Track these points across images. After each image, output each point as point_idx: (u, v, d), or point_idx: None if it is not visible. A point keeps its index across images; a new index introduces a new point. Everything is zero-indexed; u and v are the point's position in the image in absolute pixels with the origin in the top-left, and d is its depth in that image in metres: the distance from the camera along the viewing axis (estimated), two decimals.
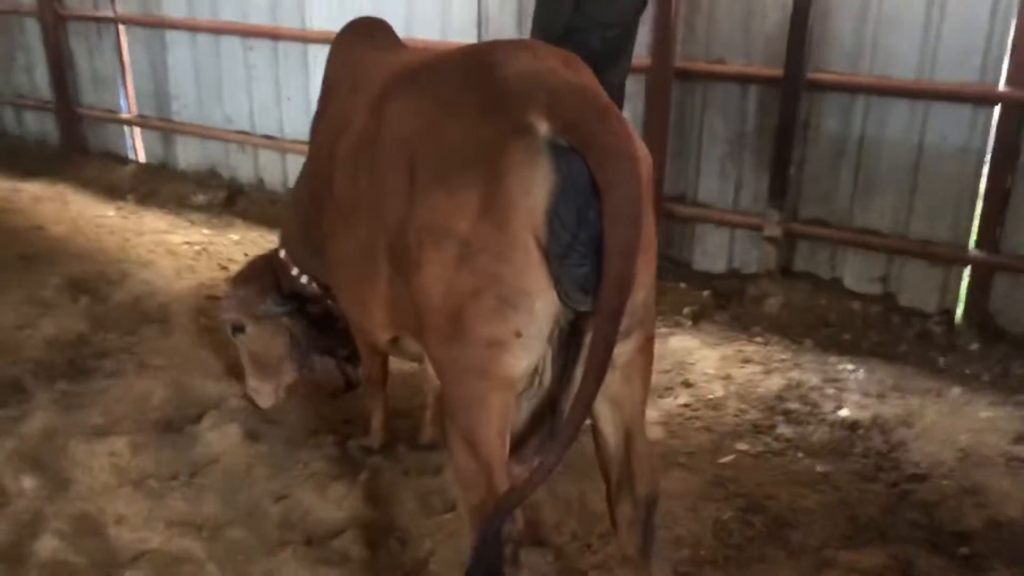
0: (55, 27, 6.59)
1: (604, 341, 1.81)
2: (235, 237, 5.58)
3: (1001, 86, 3.78)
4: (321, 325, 3.26)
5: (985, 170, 3.91)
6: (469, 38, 4.77)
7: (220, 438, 3.31)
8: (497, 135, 1.78)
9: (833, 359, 3.97)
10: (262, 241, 5.45)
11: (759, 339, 4.16)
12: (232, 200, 6.17)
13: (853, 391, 3.72)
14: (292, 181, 5.86)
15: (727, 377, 3.86)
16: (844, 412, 3.56)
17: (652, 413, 3.58)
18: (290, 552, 2.74)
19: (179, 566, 2.69)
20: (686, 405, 3.67)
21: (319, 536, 2.86)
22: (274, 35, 5.62)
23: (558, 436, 1.96)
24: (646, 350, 2.08)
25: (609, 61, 3.50)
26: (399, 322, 2.20)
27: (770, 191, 4.27)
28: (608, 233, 1.74)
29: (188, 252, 5.33)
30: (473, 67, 1.98)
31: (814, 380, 3.80)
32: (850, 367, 3.89)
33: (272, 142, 5.92)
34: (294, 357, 3.30)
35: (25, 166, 6.81)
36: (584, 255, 1.77)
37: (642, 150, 1.90)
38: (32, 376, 3.75)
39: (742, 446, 3.37)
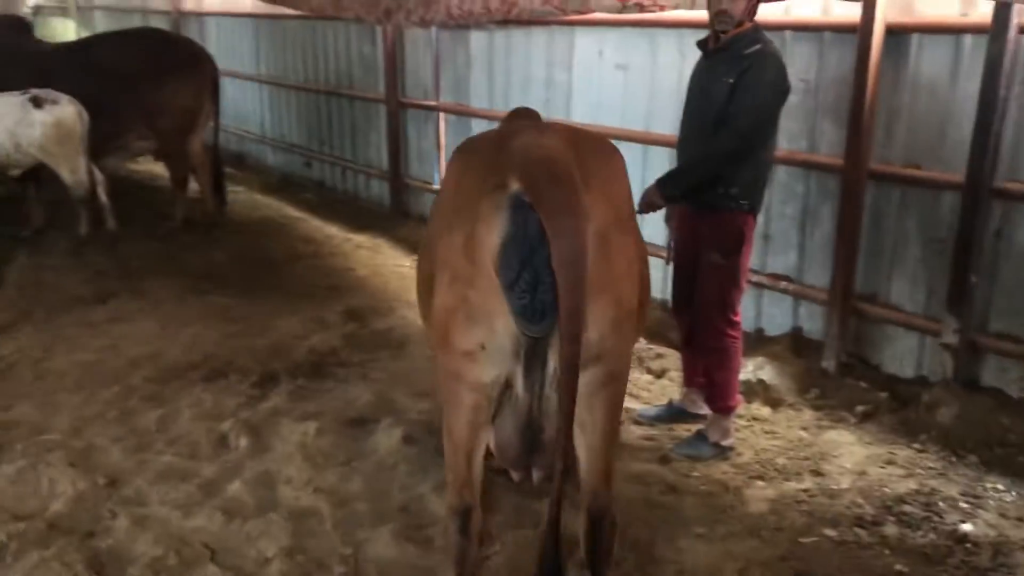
0: (396, 113, 8.12)
1: (566, 362, 2.27)
2: None
3: None
4: None
5: None
6: None
7: (385, 438, 4.09)
8: (483, 190, 2.35)
9: (989, 478, 3.78)
10: None
11: (917, 446, 4.05)
12: None
13: (990, 510, 3.54)
14: None
15: (861, 473, 3.86)
16: (967, 527, 3.42)
17: (766, 492, 3.74)
18: (389, 528, 3.40)
19: (308, 518, 3.48)
20: (804, 490, 3.75)
21: (422, 523, 3.48)
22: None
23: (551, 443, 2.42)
24: (609, 388, 2.46)
25: None
26: None
27: (949, 298, 4.17)
28: (556, 273, 2.22)
29: None
30: (495, 141, 2.56)
31: (952, 491, 3.67)
32: (1000, 487, 3.69)
33: None
34: None
35: (361, 222, 8.36)
36: (524, 290, 2.25)
37: (594, 212, 2.32)
38: (286, 372, 4.85)
39: (830, 532, 3.41)
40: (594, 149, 2.58)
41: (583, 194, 2.29)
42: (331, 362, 5.04)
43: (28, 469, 3.78)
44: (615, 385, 2.49)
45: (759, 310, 5.22)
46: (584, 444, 2.50)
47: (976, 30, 4.03)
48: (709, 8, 3.89)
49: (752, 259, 5.14)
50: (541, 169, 2.30)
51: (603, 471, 2.52)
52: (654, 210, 3.96)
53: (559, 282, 2.20)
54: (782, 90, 3.80)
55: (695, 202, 3.93)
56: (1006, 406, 4.14)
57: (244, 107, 10.97)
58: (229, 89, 11.23)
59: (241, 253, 7.20)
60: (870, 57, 4.28)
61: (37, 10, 17.94)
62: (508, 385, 2.45)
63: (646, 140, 5.69)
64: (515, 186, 2.29)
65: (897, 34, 4.30)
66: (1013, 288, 4.10)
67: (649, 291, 3.37)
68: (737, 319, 4.02)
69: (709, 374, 4.14)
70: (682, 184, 3.86)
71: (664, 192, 3.90)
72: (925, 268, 4.41)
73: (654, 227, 4.84)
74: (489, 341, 2.35)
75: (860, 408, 4.38)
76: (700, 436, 4.14)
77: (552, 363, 2.38)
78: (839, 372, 4.65)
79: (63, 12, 16.71)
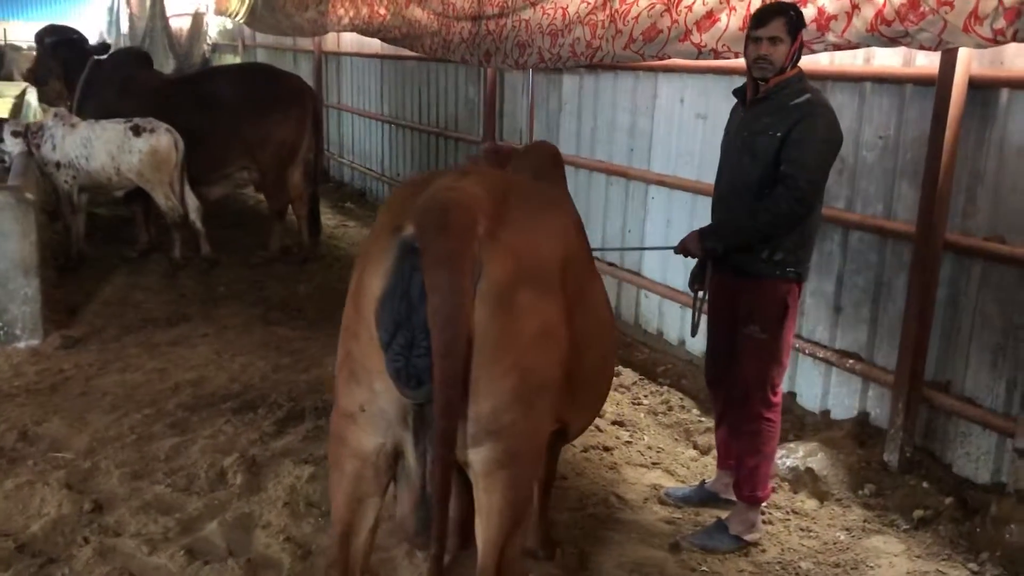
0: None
1: (437, 435, 2.02)
2: None
3: None
4: None
5: None
6: None
7: None
8: (380, 232, 2.15)
9: None
10: None
11: (974, 566, 3.46)
12: None
13: None
14: (625, 308, 6.36)
15: None
16: None
17: None
18: None
19: (265, 570, 3.32)
20: None
21: None
22: (626, 175, 6.21)
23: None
24: (510, 466, 2.16)
25: None
26: None
27: None
28: (431, 333, 1.98)
29: None
30: (419, 183, 2.35)
31: None
32: None
33: (611, 269, 6.45)
34: None
35: None
36: (399, 351, 2.01)
37: (492, 267, 2.05)
38: (313, 410, 4.76)
39: None
40: (526, 201, 2.32)
41: (479, 248, 2.04)
42: None
43: (26, 486, 3.83)
44: (516, 467, 2.20)
45: (826, 388, 4.69)
46: (479, 531, 2.22)
47: None
48: (746, 54, 3.56)
49: (823, 332, 4.67)
50: (433, 216, 2.08)
51: (495, 565, 2.21)
52: (689, 255, 3.66)
53: (433, 344, 1.96)
54: (837, 144, 3.44)
55: (733, 268, 3.56)
56: None
57: (368, 144, 11.24)
58: (358, 127, 11.59)
59: (325, 285, 7.27)
60: (948, 113, 3.77)
61: (215, 47, 19.38)
62: (399, 455, 2.21)
63: None
64: (409, 230, 2.08)
65: (983, 88, 3.77)
66: None
67: (610, 363, 3.05)
68: (776, 400, 3.59)
69: (739, 458, 3.71)
70: (728, 240, 3.51)
71: (705, 244, 3.55)
72: (1007, 359, 3.80)
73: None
74: (369, 403, 2.13)
75: (917, 513, 3.80)
76: (720, 526, 3.71)
77: None
78: (901, 468, 4.07)
79: (233, 50, 17.92)
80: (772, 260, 3.46)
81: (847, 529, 3.76)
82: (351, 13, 10.34)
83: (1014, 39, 3.23)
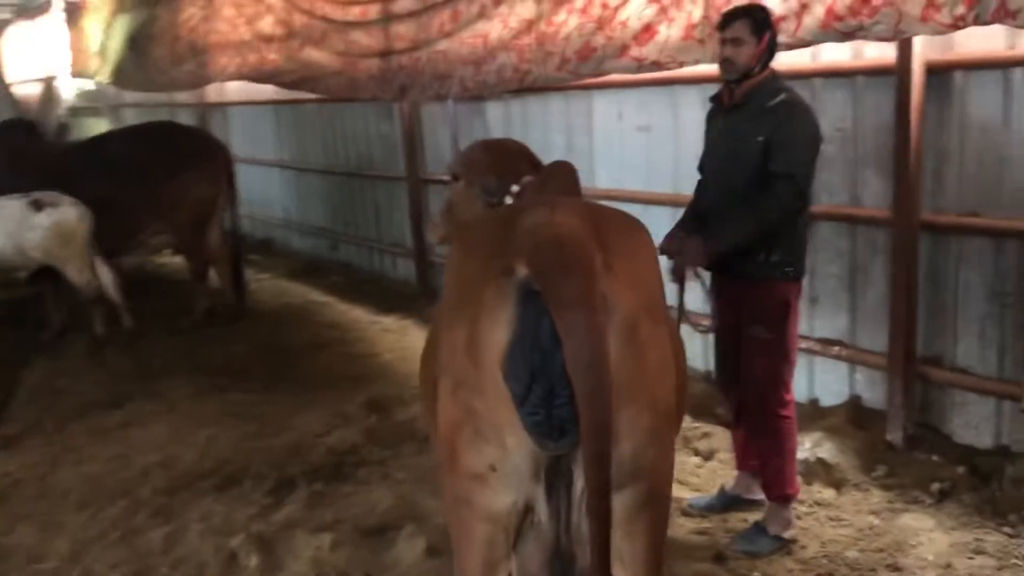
0: (418, 189, 7.91)
1: (594, 487, 1.90)
2: None
3: None
4: None
5: None
6: None
7: (407, 548, 3.71)
8: (485, 277, 2.01)
9: None
10: None
11: (1008, 529, 3.57)
12: None
13: None
14: None
15: (947, 567, 3.39)
16: None
17: None
18: None
19: None
20: None
21: None
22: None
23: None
24: (652, 507, 2.07)
25: None
26: None
27: None
28: (572, 381, 1.86)
29: None
30: (501, 220, 2.23)
31: None
32: None
33: None
34: None
35: (388, 303, 8.07)
36: (538, 404, 1.88)
37: (618, 301, 1.97)
38: (304, 476, 4.51)
39: None
40: (617, 226, 2.23)
41: (602, 281, 1.94)
42: (351, 461, 4.70)
43: None
44: (657, 506, 2.10)
45: (811, 378, 4.79)
46: None
47: None
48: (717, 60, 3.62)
49: (802, 324, 4.75)
50: (551, 253, 1.96)
51: None
52: (691, 267, 3.64)
53: (576, 393, 1.85)
54: (820, 140, 3.51)
55: (735, 272, 3.57)
56: None
57: (268, 193, 10.87)
58: (253, 176, 11.20)
59: (263, 344, 6.95)
60: (911, 99, 3.93)
61: (74, 112, 18.35)
62: (529, 510, 2.07)
63: (675, 202, 5.33)
64: (522, 272, 1.96)
65: (938, 73, 3.95)
66: None
67: (686, 384, 3.00)
68: (789, 397, 3.62)
69: (763, 459, 3.72)
70: (732, 242, 3.47)
71: (709, 249, 3.52)
72: (994, 326, 3.98)
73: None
74: (501, 461, 1.98)
75: (936, 486, 3.90)
76: (758, 529, 3.70)
77: (580, 481, 2.01)
78: (907, 445, 4.19)
79: (96, 112, 17.03)
80: (769, 262, 3.50)
81: (875, 512, 3.83)
82: (236, 61, 10.01)
83: (975, 23, 3.38)
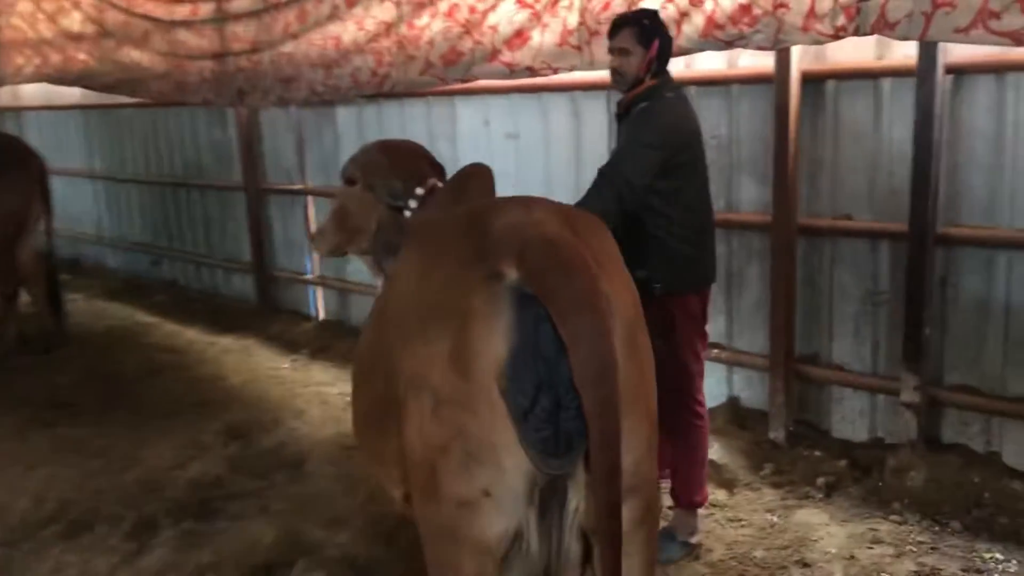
0: (257, 200, 7.44)
1: (607, 507, 1.75)
2: None
3: None
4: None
5: None
6: None
7: None
8: (468, 282, 1.81)
9: (981, 546, 3.48)
10: None
11: (896, 517, 3.73)
12: None
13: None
14: None
15: (851, 558, 3.48)
16: None
17: None
18: None
19: None
20: None
21: None
22: None
23: None
24: (646, 522, 1.96)
25: None
26: (405, 478, 2.20)
27: (905, 353, 3.92)
28: (580, 392, 1.71)
29: (340, 403, 5.62)
30: (467, 221, 2.05)
31: (952, 568, 3.34)
32: (999, 556, 3.39)
33: None
34: (377, 240, 3.23)
35: (225, 322, 7.53)
36: (545, 419, 1.72)
37: (617, 303, 1.85)
38: (167, 514, 4.05)
39: None
40: (588, 225, 2.10)
41: (603, 282, 1.81)
42: (219, 495, 4.27)
43: None
44: (652, 521, 1.99)
45: None
46: None
47: (895, 73, 3.88)
48: None
49: None
50: (545, 253, 1.80)
51: None
52: None
53: (586, 404, 1.69)
54: (659, 148, 3.28)
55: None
56: (973, 463, 3.90)
57: (75, 206, 9.89)
58: (58, 188, 10.15)
59: (90, 371, 6.28)
60: (789, 107, 4.06)
61: None
62: (519, 536, 1.89)
63: None
64: (513, 275, 1.78)
65: (812, 82, 4.11)
66: (964, 337, 3.90)
67: None
68: (700, 407, 3.60)
69: (675, 466, 3.69)
70: None
71: None
72: (867, 324, 4.18)
73: None
74: (496, 485, 1.79)
75: (822, 480, 4.03)
76: (667, 534, 3.66)
77: (575, 501, 1.85)
78: (789, 442, 4.32)
79: None
80: (637, 279, 3.45)
81: (770, 511, 3.90)
82: (36, 61, 9.11)
83: (855, 34, 3.52)
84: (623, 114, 3.45)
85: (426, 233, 2.19)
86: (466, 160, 5.61)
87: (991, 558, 3.39)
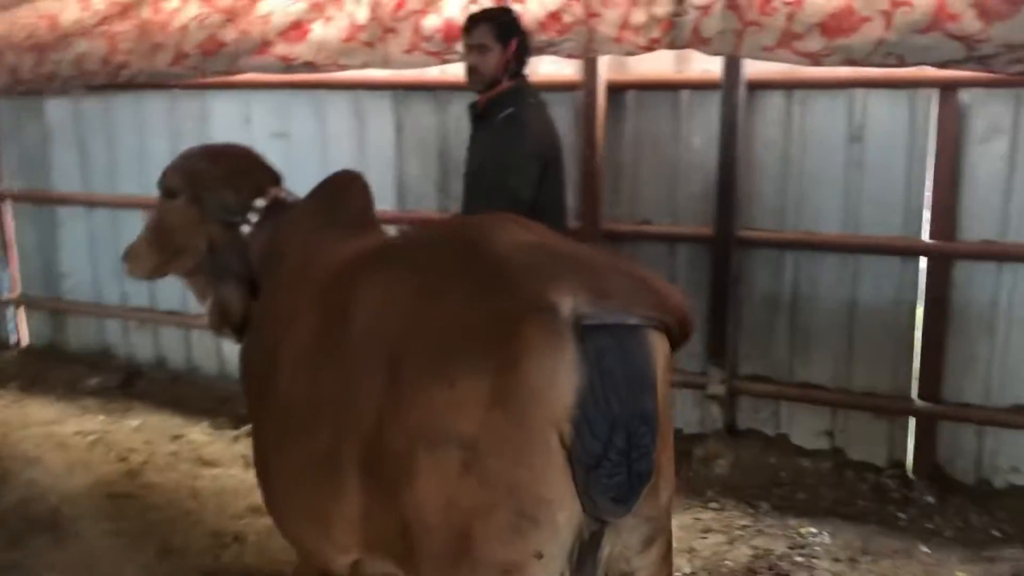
0: None
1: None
2: (135, 423, 5.10)
3: (924, 238, 3.87)
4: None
5: (919, 320, 3.95)
6: (386, 206, 4.63)
7: None
8: (508, 315, 1.57)
9: (793, 522, 3.79)
10: (165, 426, 5.01)
11: (714, 504, 3.96)
12: (130, 382, 5.71)
13: (822, 557, 3.53)
14: (198, 358, 5.54)
15: (691, 551, 3.61)
16: None
17: None
18: None
19: None
20: None
21: None
22: None
23: None
24: (667, 560, 1.84)
25: None
26: (371, 543, 1.87)
27: (709, 349, 4.19)
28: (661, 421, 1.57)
29: (81, 444, 4.81)
30: (459, 245, 1.79)
31: (781, 548, 3.60)
32: (813, 530, 3.72)
33: (175, 318, 5.56)
34: (207, 262, 2.81)
35: None
36: (620, 462, 1.54)
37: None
38: None
39: None
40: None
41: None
42: None
43: None
44: (671, 562, 1.87)
45: None
46: None
47: (695, 85, 4.11)
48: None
49: None
50: (607, 281, 1.62)
51: None
52: None
53: (662, 434, 1.56)
54: (529, 157, 3.25)
55: None
56: (769, 446, 4.25)
57: None
58: None
59: None
60: (596, 115, 4.14)
61: None
62: None
63: None
64: (568, 304, 1.56)
65: (615, 91, 4.23)
66: (756, 331, 4.23)
67: None
68: None
69: None
70: None
71: None
72: None
73: None
74: (550, 544, 1.57)
75: None
76: None
77: (607, 548, 1.68)
78: None
79: None
80: None
81: None
82: None
83: (669, 47, 3.68)
84: (480, 116, 3.29)
85: (400, 265, 1.87)
86: None
87: (807, 532, 3.71)
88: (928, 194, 3.84)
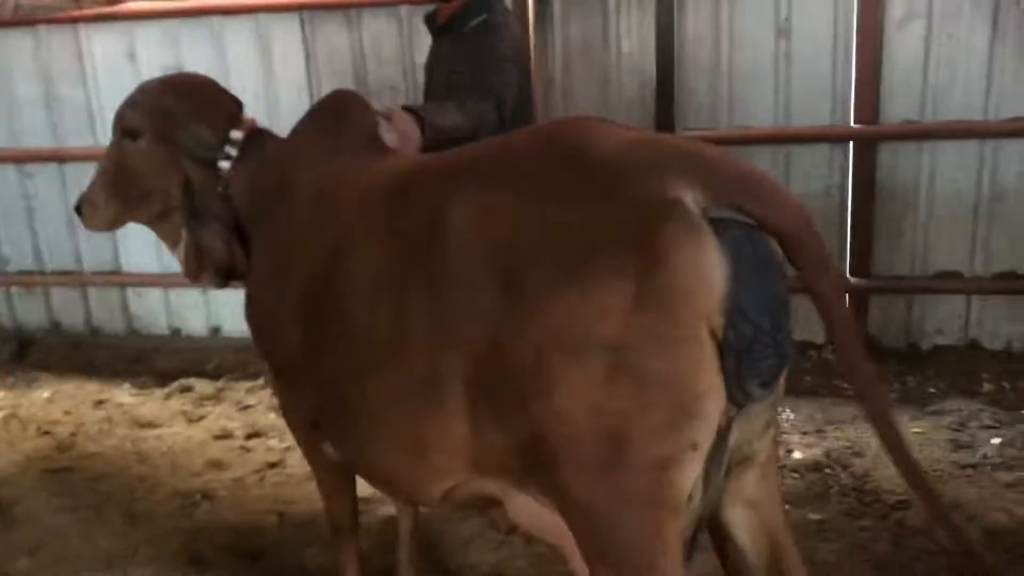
0: None
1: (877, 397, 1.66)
2: (45, 394, 4.71)
3: (851, 124, 4.07)
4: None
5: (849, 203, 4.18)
6: None
7: None
8: (641, 215, 1.53)
9: None
10: (82, 393, 4.67)
11: None
12: (22, 353, 5.26)
13: (792, 432, 3.75)
14: (99, 318, 5.16)
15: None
16: (797, 455, 3.57)
17: None
18: None
19: None
20: None
21: None
22: (59, 157, 4.90)
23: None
24: (776, 442, 1.90)
25: None
26: (481, 463, 1.82)
27: None
28: (820, 291, 1.58)
29: None
30: (560, 151, 1.72)
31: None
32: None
33: (69, 278, 5.13)
34: (182, 205, 2.61)
35: None
36: (769, 344, 1.56)
37: None
38: None
39: None
40: None
41: None
42: None
43: None
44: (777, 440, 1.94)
45: None
46: (762, 528, 1.84)
47: None
48: None
49: None
50: (733, 169, 1.60)
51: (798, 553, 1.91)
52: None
53: (834, 312, 1.60)
54: (519, 61, 3.21)
55: None
56: None
57: None
58: None
59: None
60: (527, 25, 4.07)
61: None
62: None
63: None
64: (693, 198, 1.54)
65: (541, 2, 4.16)
66: None
67: None
68: None
69: None
70: (444, 123, 2.87)
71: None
72: None
73: None
74: (703, 434, 1.58)
75: None
76: None
77: (736, 433, 1.71)
78: None
79: None
80: None
81: None
82: None
83: None
84: (444, 28, 3.15)
85: (497, 176, 1.77)
86: (105, 104, 4.69)
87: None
88: (854, 81, 4.02)
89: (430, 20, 3.29)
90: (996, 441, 3.54)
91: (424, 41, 4.23)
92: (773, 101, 4.10)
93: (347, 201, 2.14)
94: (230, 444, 4.07)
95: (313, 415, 2.32)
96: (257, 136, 2.65)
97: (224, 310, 4.98)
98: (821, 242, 1.59)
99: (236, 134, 2.60)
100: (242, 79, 4.59)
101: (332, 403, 2.12)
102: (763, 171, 1.66)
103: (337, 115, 2.47)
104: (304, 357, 2.23)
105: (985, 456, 3.43)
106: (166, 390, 4.64)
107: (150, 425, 4.27)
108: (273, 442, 4.07)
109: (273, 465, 3.86)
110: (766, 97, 4.10)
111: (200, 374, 4.78)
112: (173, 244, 2.78)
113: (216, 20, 4.56)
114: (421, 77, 4.29)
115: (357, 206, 2.09)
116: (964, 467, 3.39)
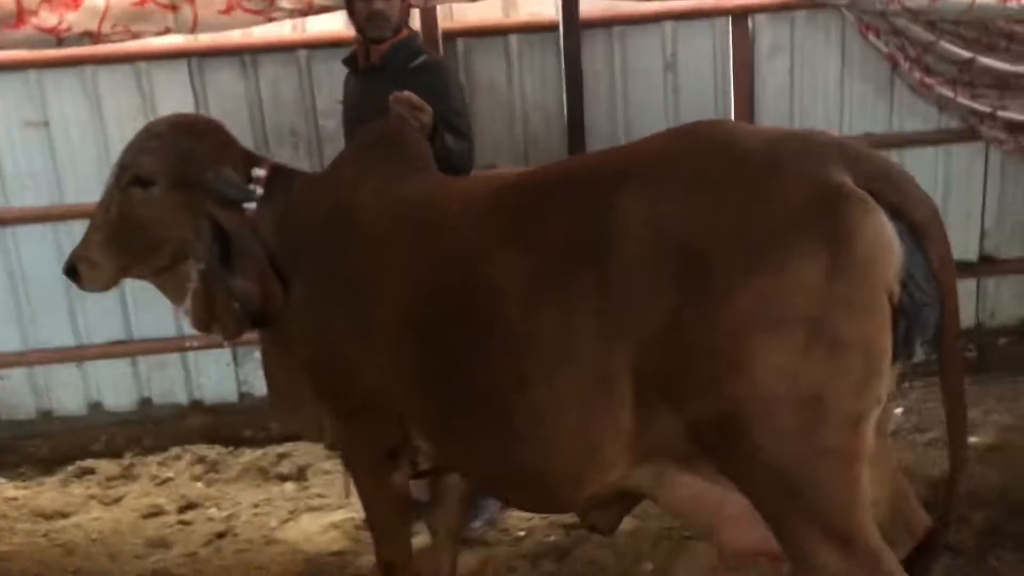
0: None
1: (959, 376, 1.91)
2: None
3: None
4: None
5: None
6: None
7: None
8: (820, 198, 1.74)
9: None
10: None
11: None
12: None
13: None
14: None
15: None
16: None
17: None
18: None
19: None
20: None
21: None
22: None
23: None
24: None
25: None
26: (650, 450, 1.93)
27: None
28: (942, 278, 1.80)
29: None
30: (709, 149, 1.89)
31: None
32: None
33: None
34: (209, 254, 2.45)
35: None
36: (934, 307, 1.79)
37: None
38: None
39: None
40: None
41: None
42: None
43: None
44: None
45: None
46: (881, 478, 2.05)
47: (523, 29, 4.31)
48: (355, 14, 3.29)
49: None
50: (871, 158, 1.86)
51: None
52: None
53: (947, 286, 1.82)
54: (464, 104, 3.38)
55: None
56: None
57: None
58: None
59: None
60: None
61: None
62: None
63: None
64: (850, 182, 1.77)
65: (448, 40, 4.26)
66: None
67: None
68: None
69: None
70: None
71: None
72: None
73: None
74: (885, 389, 1.82)
75: None
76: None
77: None
78: None
79: None
80: None
81: None
82: None
83: None
84: (377, 66, 3.21)
85: (660, 175, 1.88)
86: None
87: None
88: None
89: (351, 61, 3.34)
90: (899, 411, 4.05)
91: (325, 84, 4.27)
92: (665, 126, 4.44)
93: (449, 215, 2.17)
94: (165, 520, 3.76)
95: (400, 442, 2.31)
96: (276, 172, 2.58)
97: (105, 383, 4.55)
98: (946, 235, 1.84)
99: (259, 172, 2.54)
100: (122, 130, 4.26)
101: (461, 417, 2.11)
102: (900, 165, 1.93)
103: (389, 142, 2.49)
104: (402, 379, 2.20)
105: (899, 425, 3.92)
106: (57, 477, 4.16)
107: (59, 515, 3.83)
108: (212, 511, 3.81)
109: (222, 535, 3.62)
110: (659, 123, 4.44)
111: (91, 455, 4.33)
112: (177, 296, 2.61)
113: (88, 69, 4.23)
114: (323, 121, 4.33)
115: (465, 220, 2.12)
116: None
